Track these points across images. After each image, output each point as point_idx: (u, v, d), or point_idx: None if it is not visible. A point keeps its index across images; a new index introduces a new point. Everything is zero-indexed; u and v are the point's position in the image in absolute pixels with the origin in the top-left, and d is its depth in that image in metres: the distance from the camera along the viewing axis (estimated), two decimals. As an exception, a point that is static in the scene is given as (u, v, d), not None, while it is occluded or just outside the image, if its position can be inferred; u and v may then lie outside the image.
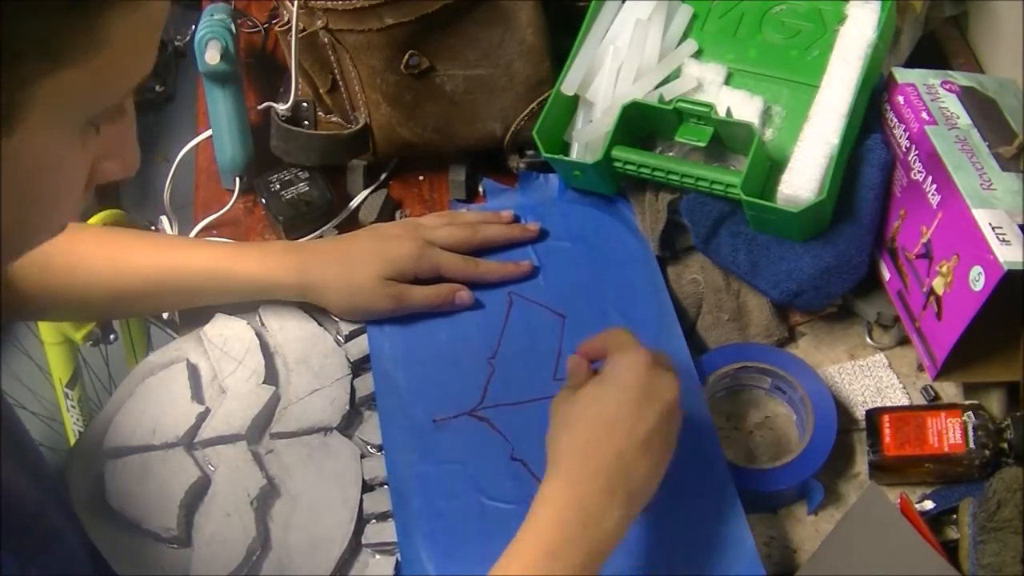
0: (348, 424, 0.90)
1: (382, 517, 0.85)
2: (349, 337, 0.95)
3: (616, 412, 0.74)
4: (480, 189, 1.06)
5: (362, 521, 0.85)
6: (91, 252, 0.90)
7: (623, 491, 0.72)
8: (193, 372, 0.92)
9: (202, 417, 0.88)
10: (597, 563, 0.70)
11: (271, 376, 0.92)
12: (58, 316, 1.22)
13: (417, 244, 0.94)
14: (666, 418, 0.75)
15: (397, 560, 0.83)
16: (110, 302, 0.93)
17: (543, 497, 0.72)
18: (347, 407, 0.90)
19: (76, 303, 0.92)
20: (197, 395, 0.91)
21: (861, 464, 0.88)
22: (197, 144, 1.12)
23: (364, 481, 0.86)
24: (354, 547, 0.84)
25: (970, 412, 0.85)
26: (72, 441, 1.50)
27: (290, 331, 0.94)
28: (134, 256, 0.92)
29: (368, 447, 0.89)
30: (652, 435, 0.74)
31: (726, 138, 0.94)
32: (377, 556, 0.84)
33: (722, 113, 0.93)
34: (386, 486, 0.86)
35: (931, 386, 0.91)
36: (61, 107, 0.50)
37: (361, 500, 0.85)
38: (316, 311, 0.96)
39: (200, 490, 0.85)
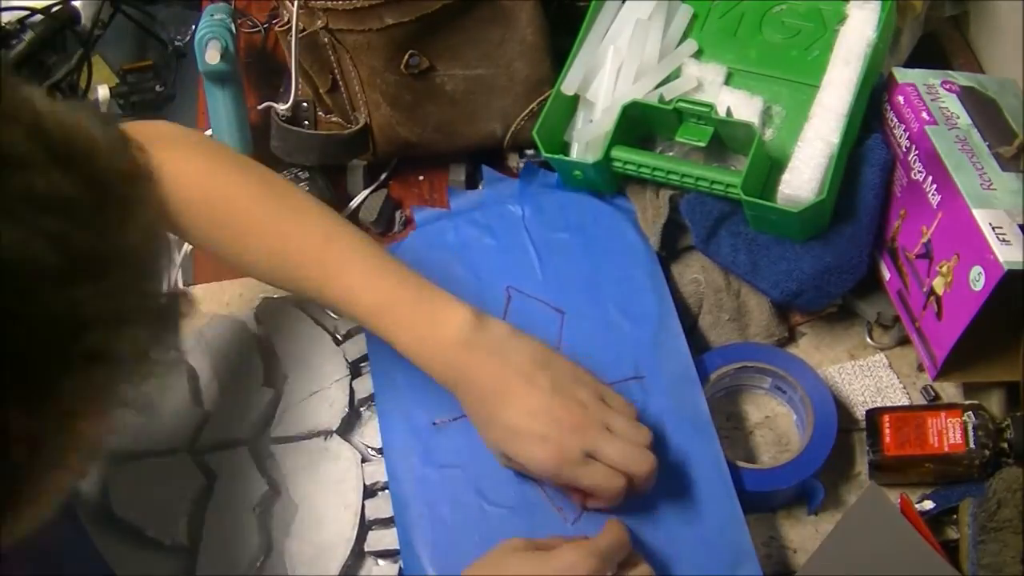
0: (348, 426, 0.90)
1: (384, 523, 0.85)
2: (347, 336, 0.95)
3: None
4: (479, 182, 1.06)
5: (364, 527, 0.84)
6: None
7: None
8: (192, 374, 0.92)
9: (203, 420, 0.88)
10: None
11: (270, 378, 0.92)
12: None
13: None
14: None
15: (400, 567, 0.83)
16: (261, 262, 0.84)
17: None
18: (346, 409, 0.89)
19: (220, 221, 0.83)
20: (196, 398, 0.91)
21: (861, 464, 0.88)
22: (197, 144, 1.12)
23: (365, 486, 0.86)
24: (357, 553, 0.83)
25: (970, 412, 0.85)
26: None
27: (287, 331, 0.94)
28: (302, 226, 0.83)
29: (369, 450, 0.89)
30: None
31: (726, 138, 0.94)
32: (380, 562, 0.84)
33: (722, 113, 0.93)
34: (387, 490, 0.86)
35: (931, 386, 0.91)
36: None
37: (363, 506, 0.85)
38: (314, 310, 0.96)
39: (202, 496, 0.85)
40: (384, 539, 0.84)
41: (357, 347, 0.93)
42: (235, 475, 0.85)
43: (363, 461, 0.87)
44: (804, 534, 0.85)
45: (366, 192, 1.07)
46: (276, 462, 0.87)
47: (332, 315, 0.96)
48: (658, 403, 0.87)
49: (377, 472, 0.86)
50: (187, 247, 1.06)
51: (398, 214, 1.07)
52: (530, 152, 1.05)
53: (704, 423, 0.86)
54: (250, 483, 0.85)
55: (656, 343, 0.91)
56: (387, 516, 0.84)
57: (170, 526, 0.83)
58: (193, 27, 1.13)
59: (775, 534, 0.85)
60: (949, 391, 0.91)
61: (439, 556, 0.81)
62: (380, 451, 0.88)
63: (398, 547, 0.83)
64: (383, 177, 1.09)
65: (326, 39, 1.00)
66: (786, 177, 0.90)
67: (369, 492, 0.86)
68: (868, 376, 0.92)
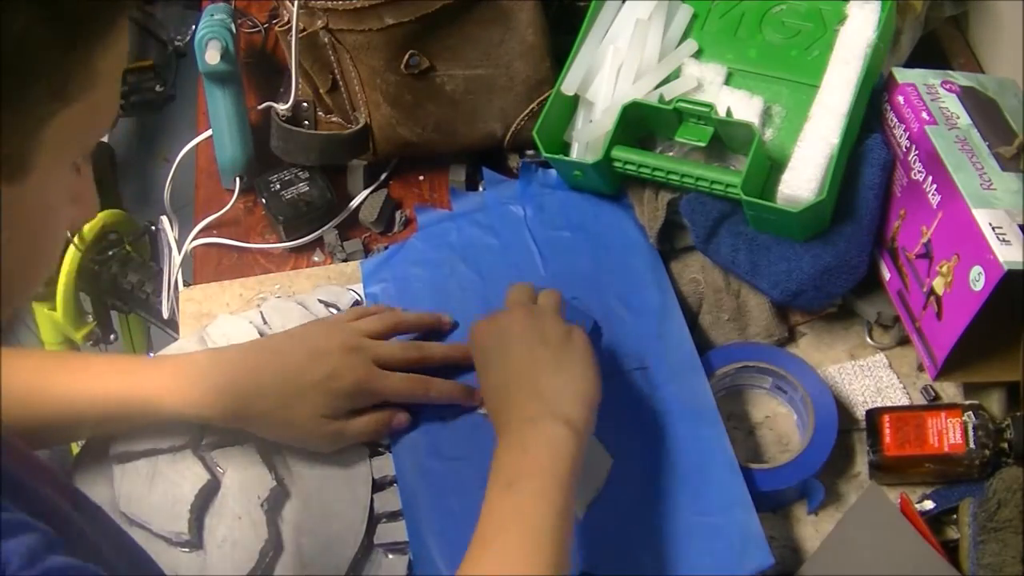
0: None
1: (393, 516, 0.85)
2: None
3: (514, 343, 0.80)
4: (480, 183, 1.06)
5: (373, 520, 0.85)
6: (10, 377, 0.81)
7: (547, 413, 0.76)
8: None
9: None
10: (561, 486, 0.72)
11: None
12: None
13: (361, 375, 0.85)
14: (562, 342, 0.80)
15: (410, 559, 0.83)
16: (31, 430, 0.81)
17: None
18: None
19: None
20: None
21: (861, 464, 0.88)
22: (197, 144, 1.13)
23: (374, 480, 0.86)
24: (366, 547, 0.84)
25: (970, 412, 0.85)
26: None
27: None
28: (51, 383, 0.83)
29: (377, 445, 0.89)
30: (552, 354, 0.79)
31: (726, 138, 0.94)
32: (390, 556, 0.84)
33: (722, 113, 0.93)
34: (396, 484, 0.86)
35: (931, 386, 0.91)
36: (64, 147, 0.52)
37: (372, 499, 0.85)
38: (319, 308, 0.96)
39: (210, 493, 0.85)
40: (393, 532, 0.84)
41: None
42: (242, 471, 0.85)
43: (371, 455, 0.87)
44: (804, 534, 0.86)
45: (366, 192, 1.07)
46: (283, 457, 0.87)
47: (336, 314, 0.96)
48: (663, 392, 0.88)
49: (385, 466, 0.87)
50: (187, 246, 1.07)
51: (398, 214, 1.07)
52: (530, 152, 1.05)
53: (709, 409, 0.86)
54: (257, 479, 0.85)
55: (659, 334, 0.91)
56: (395, 509, 0.85)
57: (177, 522, 0.83)
58: (193, 27, 1.14)
59: (775, 534, 0.85)
60: (949, 391, 0.91)
61: (448, 547, 0.82)
62: (388, 445, 0.88)
63: (407, 539, 0.83)
64: (383, 177, 1.09)
65: (326, 39, 1.00)
66: (786, 177, 0.90)
67: (378, 486, 0.86)
68: (868, 376, 0.92)
